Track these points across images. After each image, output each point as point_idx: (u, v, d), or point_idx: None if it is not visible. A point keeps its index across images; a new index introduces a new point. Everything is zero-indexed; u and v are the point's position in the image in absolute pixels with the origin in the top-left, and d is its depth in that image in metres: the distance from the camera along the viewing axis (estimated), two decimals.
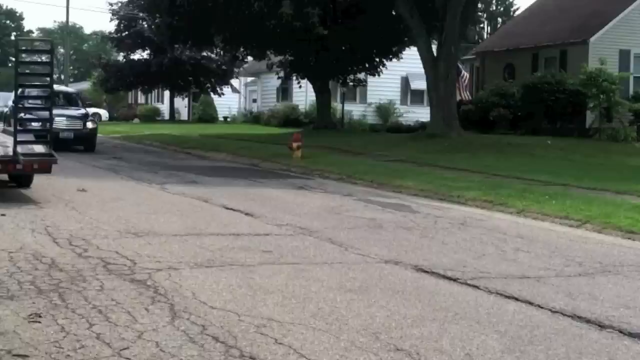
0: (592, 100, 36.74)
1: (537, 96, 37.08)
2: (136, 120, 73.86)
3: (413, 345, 7.54)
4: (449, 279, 10.51)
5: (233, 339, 7.46)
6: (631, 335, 8.19)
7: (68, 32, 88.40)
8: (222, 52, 53.83)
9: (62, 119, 31.18)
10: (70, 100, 35.67)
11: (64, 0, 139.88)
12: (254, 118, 65.43)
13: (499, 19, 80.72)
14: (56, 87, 33.22)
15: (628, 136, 35.95)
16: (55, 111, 32.34)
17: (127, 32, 68.69)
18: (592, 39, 38.93)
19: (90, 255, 10.95)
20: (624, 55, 39.25)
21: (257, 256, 11.44)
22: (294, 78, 49.25)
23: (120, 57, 78.47)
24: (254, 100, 70.69)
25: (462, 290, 9.94)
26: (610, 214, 16.33)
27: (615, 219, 15.79)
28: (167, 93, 74.73)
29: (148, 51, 70.87)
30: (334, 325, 8.05)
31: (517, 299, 9.50)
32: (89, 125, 33.19)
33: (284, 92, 61.93)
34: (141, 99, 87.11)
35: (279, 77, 50.54)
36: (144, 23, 65.34)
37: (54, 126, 30.43)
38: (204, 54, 64.36)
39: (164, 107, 77.38)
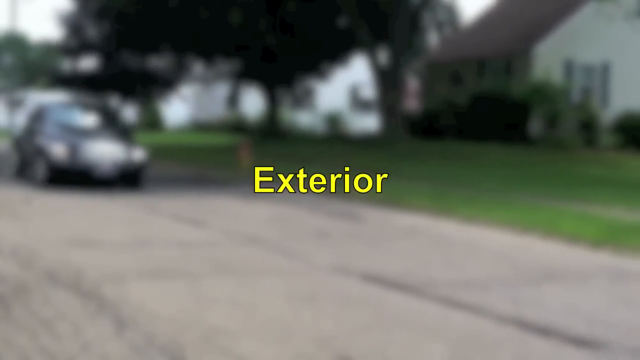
0: (537, 108, 37.11)
1: (483, 105, 37.37)
2: None
3: (360, 353, 7.57)
4: (397, 286, 10.57)
5: (180, 350, 7.44)
6: (575, 341, 8.29)
7: (13, 40, 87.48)
8: (170, 60, 53.61)
9: (96, 147, 21.72)
10: (107, 118, 24.56)
11: (9, 7, 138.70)
12: (202, 126, 65.27)
13: (446, 29, 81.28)
14: (83, 99, 27.37)
15: (572, 144, 36.33)
16: (84, 134, 22.71)
17: (74, 40, 68.17)
18: (537, 49, 39.28)
19: (36, 266, 10.86)
20: (568, 64, 39.67)
21: (205, 265, 11.42)
22: (243, 86, 49.26)
23: (68, 65, 77.84)
24: (203, 109, 70.53)
25: (409, 298, 10.00)
26: (554, 221, 16.51)
27: (560, 226, 15.97)
28: (114, 101, 74.29)
29: (96, 59, 70.36)
30: (281, 334, 8.06)
31: (463, 307, 9.58)
32: (137, 155, 21.90)
33: (233, 100, 61.82)
34: None
35: (227, 86, 50.48)
36: (92, 31, 64.91)
37: (84, 159, 21.20)
38: (152, 61, 64.04)
39: None
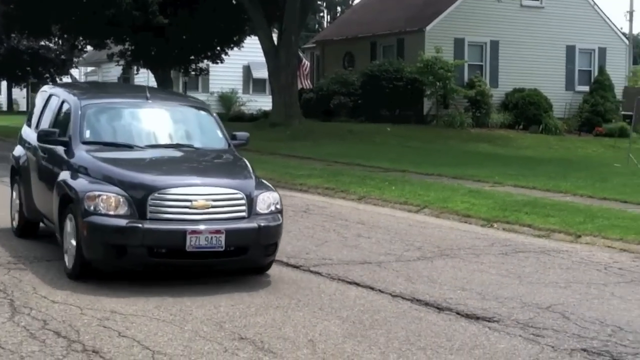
0: (429, 87, 37.49)
1: (376, 84, 37.60)
2: None
3: (257, 333, 7.62)
4: (293, 266, 10.64)
5: (75, 333, 7.38)
6: (468, 316, 8.47)
7: None
8: (60, 42, 52.61)
9: (183, 194, 9.67)
10: (197, 131, 12.03)
11: None
12: None
13: (339, 8, 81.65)
14: (145, 92, 12.14)
15: (463, 122, 36.85)
16: (157, 167, 10.67)
17: None
18: (428, 28, 39.65)
19: None
20: (459, 43, 40.12)
21: None
22: (135, 67, 48.67)
23: None
24: None
25: (305, 277, 10.07)
26: (447, 199, 16.77)
27: (452, 204, 16.23)
28: (4, 84, 72.77)
29: None
30: (177, 316, 8.06)
31: (358, 285, 9.69)
32: (264, 203, 10.10)
33: (125, 81, 61.00)
34: None
35: (118, 65, 49.76)
36: None
37: (161, 220, 9.50)
38: (43, 43, 62.88)
39: (1, 98, 75.36)
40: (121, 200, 9.43)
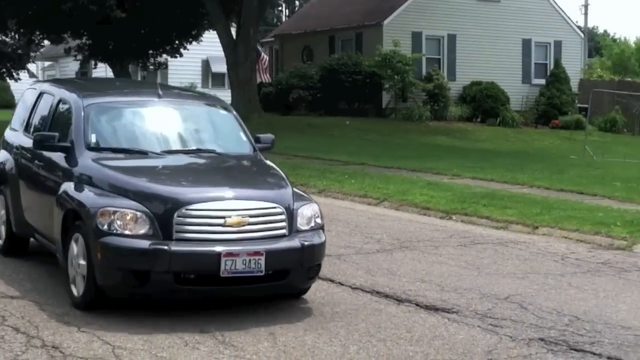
0: (388, 81, 37.59)
1: (335, 78, 37.65)
2: None
3: (218, 327, 7.64)
4: None
5: (34, 329, 7.36)
6: (427, 308, 8.54)
7: None
8: (17, 36, 52.10)
9: (212, 210, 8.20)
10: (223, 129, 10.54)
11: None
12: None
13: (297, 2, 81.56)
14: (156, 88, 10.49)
15: (422, 115, 37.01)
16: (178, 177, 9.04)
17: None
18: (386, 22, 39.73)
19: None
20: (416, 37, 40.26)
21: None
22: (93, 62, 48.35)
23: None
24: None
25: None
26: (406, 192, 16.84)
27: (411, 196, 16.30)
28: None
29: None
30: (138, 310, 8.04)
31: (319, 277, 9.71)
32: (304, 217, 8.77)
33: (84, 76, 60.65)
34: None
35: (75, 60, 49.43)
36: None
37: (189, 240, 8.06)
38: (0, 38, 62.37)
39: None
40: (141, 217, 8.00)
